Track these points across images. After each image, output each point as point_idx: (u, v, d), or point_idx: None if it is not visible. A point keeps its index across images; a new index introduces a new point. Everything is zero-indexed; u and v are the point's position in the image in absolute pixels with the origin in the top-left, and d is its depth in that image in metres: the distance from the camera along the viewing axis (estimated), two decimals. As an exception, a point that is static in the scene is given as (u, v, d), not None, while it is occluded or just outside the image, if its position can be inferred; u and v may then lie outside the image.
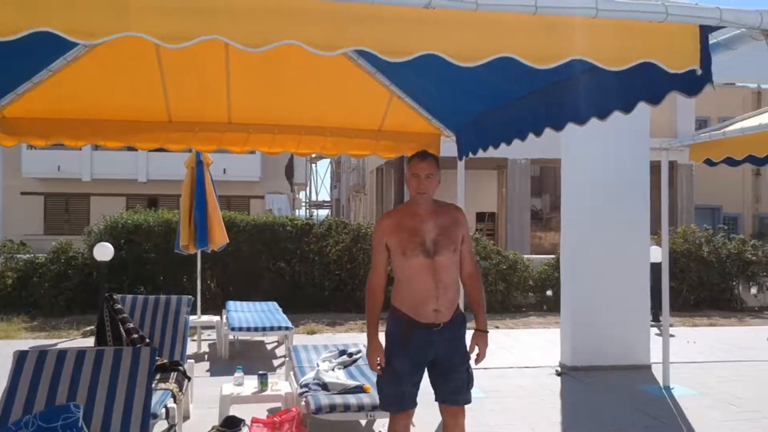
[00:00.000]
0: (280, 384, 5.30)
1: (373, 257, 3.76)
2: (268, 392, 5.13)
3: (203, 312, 9.45)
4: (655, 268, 7.64)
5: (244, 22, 2.21)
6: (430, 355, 3.66)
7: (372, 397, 4.58)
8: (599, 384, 7.02)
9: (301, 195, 41.87)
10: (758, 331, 10.39)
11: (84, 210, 27.63)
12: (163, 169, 26.26)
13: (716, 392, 6.69)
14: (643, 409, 6.09)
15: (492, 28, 2.37)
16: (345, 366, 5.56)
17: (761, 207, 29.55)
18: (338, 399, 4.62)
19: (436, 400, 3.77)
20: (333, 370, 5.35)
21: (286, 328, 8.05)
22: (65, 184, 27.76)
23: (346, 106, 5.46)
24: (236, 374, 5.25)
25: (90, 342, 7.67)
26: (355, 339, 8.30)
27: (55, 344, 8.73)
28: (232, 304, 9.49)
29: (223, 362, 7.90)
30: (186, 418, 5.43)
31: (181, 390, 4.92)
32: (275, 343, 9.11)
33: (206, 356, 8.37)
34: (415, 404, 3.71)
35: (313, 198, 53.77)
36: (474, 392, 3.84)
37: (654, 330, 8.29)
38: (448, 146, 5.72)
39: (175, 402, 4.65)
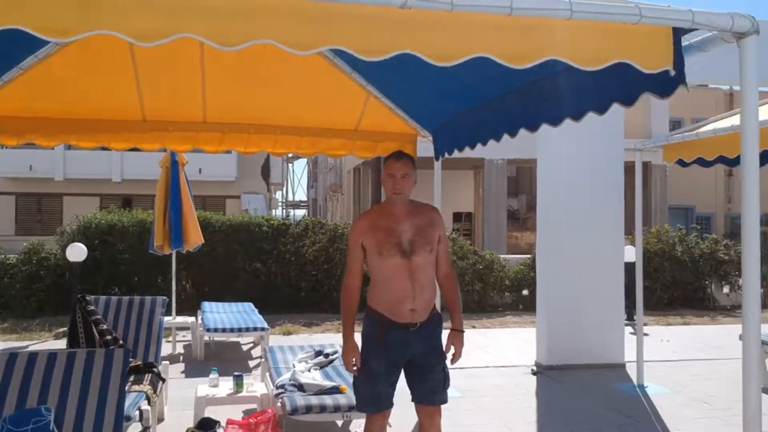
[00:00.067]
0: (256, 385, 5.26)
1: (349, 257, 3.76)
2: (244, 393, 5.09)
3: (178, 313, 9.39)
4: (630, 267, 7.71)
5: (218, 21, 2.19)
6: (407, 355, 3.66)
7: (348, 397, 4.57)
8: (574, 383, 7.07)
9: (278, 195, 41.83)
10: (731, 330, 10.51)
11: (57, 210, 27.24)
12: (137, 168, 25.95)
13: (690, 390, 6.78)
14: (618, 408, 6.15)
15: (468, 28, 2.37)
16: (321, 367, 5.55)
17: (733, 207, 29.95)
18: (314, 400, 4.61)
19: (412, 400, 3.77)
20: (309, 370, 5.33)
21: (262, 329, 8.00)
22: (37, 183, 27.36)
23: (323, 105, 5.43)
24: (211, 375, 5.20)
25: (62, 344, 7.56)
26: (332, 339, 8.27)
27: (27, 346, 8.61)
28: (207, 305, 9.39)
29: (198, 363, 7.82)
30: (160, 420, 5.38)
31: (155, 392, 4.87)
32: (251, 344, 9.05)
33: (181, 357, 8.30)
34: (391, 404, 3.71)
35: (290, 198, 53.77)
36: (450, 392, 3.85)
37: (628, 329, 8.36)
38: (424, 146, 5.72)
39: (149, 404, 4.60)
